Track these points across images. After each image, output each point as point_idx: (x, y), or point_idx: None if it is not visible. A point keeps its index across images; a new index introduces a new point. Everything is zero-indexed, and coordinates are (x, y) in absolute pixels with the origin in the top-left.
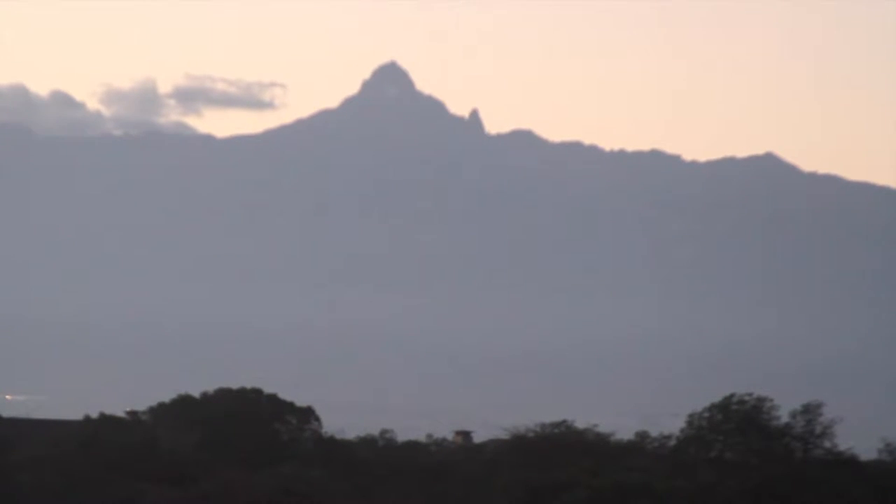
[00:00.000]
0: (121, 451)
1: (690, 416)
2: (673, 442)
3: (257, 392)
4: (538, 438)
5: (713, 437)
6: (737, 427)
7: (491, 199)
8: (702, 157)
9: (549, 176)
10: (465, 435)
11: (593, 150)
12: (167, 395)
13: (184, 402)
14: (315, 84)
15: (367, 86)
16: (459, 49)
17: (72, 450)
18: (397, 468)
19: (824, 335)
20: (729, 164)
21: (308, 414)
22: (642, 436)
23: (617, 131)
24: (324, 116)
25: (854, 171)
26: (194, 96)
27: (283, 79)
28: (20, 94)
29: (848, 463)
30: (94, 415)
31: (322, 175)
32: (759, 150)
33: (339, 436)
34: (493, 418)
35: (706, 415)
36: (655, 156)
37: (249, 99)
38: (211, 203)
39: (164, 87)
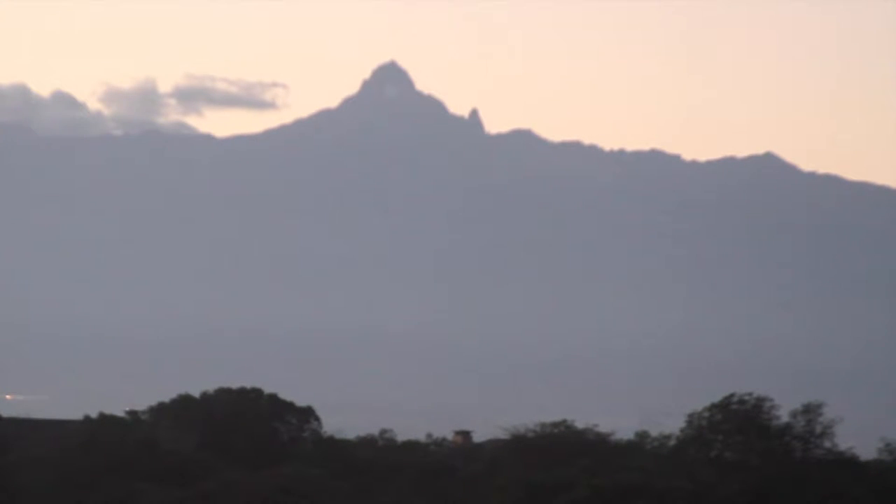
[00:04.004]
0: (121, 451)
1: (690, 415)
2: (673, 442)
3: (257, 392)
4: (538, 438)
5: (713, 437)
6: (737, 427)
7: (491, 200)
8: (702, 157)
9: (549, 176)
10: (465, 435)
11: (593, 150)
12: (167, 395)
13: (184, 402)
14: (315, 84)
15: (367, 86)
16: (459, 49)
17: (72, 450)
18: (397, 468)
19: (823, 335)
20: (729, 164)
21: (308, 414)
22: (642, 436)
23: (617, 131)
24: (324, 116)
25: (854, 171)
26: (195, 96)
27: (283, 79)
28: (21, 95)
29: (848, 463)
30: (94, 415)
31: (322, 175)
32: (759, 150)
33: (338, 436)
34: (493, 418)
35: (706, 414)
36: (655, 156)
37: (251, 99)
38: (211, 203)
39: (165, 87)
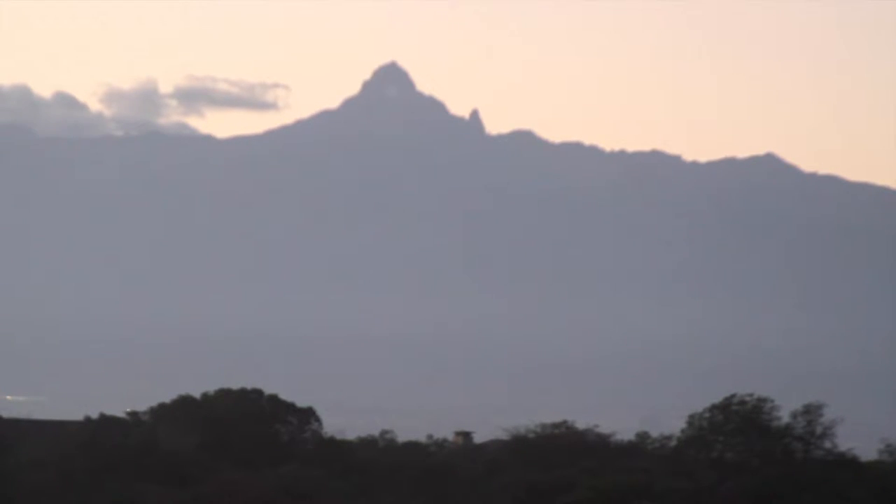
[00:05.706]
0: (121, 452)
1: (691, 416)
2: (673, 442)
3: (258, 393)
4: (538, 439)
5: (714, 438)
6: (737, 428)
7: (491, 200)
8: (702, 157)
9: (549, 176)
10: (466, 435)
11: (593, 150)
12: (168, 396)
13: (184, 402)
14: (315, 85)
15: (368, 86)
16: (460, 49)
17: (72, 450)
18: (397, 468)
19: (824, 335)
20: (729, 164)
21: (308, 414)
22: (643, 436)
23: (617, 131)
24: (324, 117)
25: (854, 171)
26: (196, 97)
27: (284, 80)
28: (22, 95)
29: (848, 464)
30: (95, 415)
31: (322, 176)
32: (759, 150)
33: (339, 436)
34: (493, 418)
35: (707, 415)
36: (655, 156)
37: (252, 100)
38: (211, 203)
39: (166, 88)
